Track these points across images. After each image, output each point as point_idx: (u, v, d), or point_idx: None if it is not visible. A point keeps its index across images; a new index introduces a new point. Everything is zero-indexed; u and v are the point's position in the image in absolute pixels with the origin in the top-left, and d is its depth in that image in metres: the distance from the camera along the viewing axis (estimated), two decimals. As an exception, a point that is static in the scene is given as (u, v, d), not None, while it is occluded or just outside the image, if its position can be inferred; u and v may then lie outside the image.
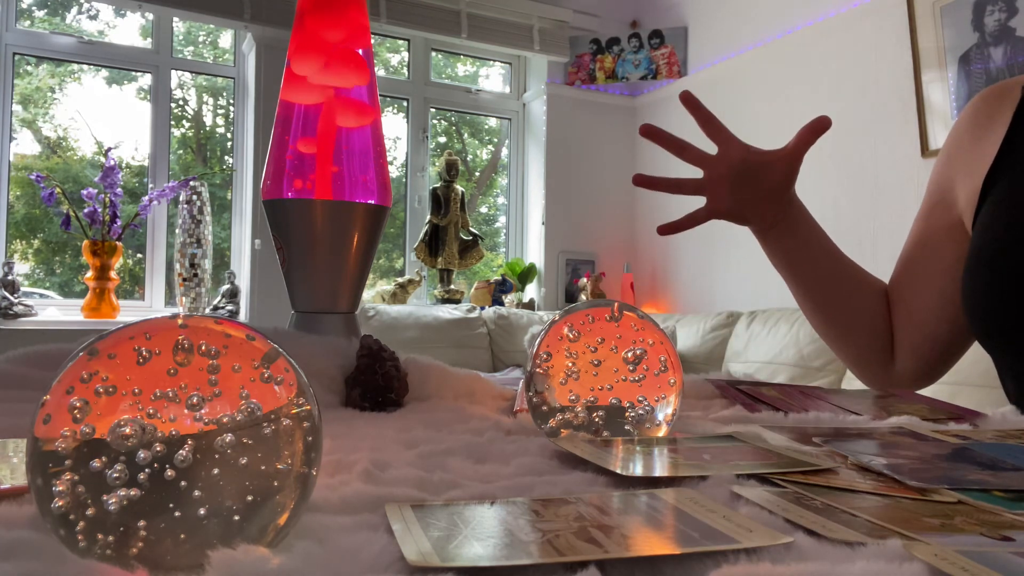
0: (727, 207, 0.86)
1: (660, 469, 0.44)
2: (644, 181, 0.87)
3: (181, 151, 3.79)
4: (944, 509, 0.36)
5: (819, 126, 0.81)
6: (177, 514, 0.28)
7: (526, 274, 4.04)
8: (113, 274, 3.11)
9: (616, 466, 0.43)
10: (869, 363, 0.91)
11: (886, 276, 0.94)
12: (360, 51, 0.99)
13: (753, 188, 0.84)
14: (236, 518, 0.29)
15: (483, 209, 4.54)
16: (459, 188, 3.89)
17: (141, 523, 0.28)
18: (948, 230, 0.86)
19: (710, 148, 0.87)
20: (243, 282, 3.43)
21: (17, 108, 3.30)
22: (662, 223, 0.87)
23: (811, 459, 0.45)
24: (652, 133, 0.86)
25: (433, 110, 4.13)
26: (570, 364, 0.55)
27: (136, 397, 0.29)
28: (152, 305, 3.44)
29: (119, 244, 3.12)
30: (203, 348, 0.30)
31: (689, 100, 0.84)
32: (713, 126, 0.85)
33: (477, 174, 4.54)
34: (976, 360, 1.87)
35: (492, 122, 4.47)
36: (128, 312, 3.21)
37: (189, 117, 3.90)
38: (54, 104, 3.54)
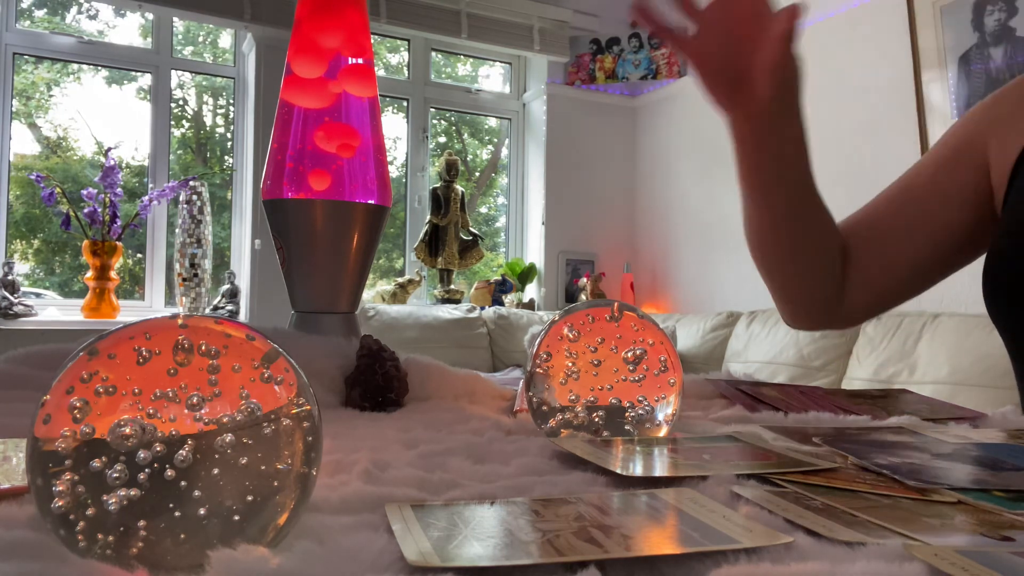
0: (712, 68, 0.75)
1: (660, 469, 0.44)
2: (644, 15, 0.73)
3: (181, 151, 3.78)
4: (944, 509, 0.36)
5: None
6: (177, 514, 0.28)
7: (526, 274, 4.04)
8: (113, 274, 3.11)
9: (616, 466, 0.43)
10: (815, 304, 0.84)
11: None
12: (359, 60, 0.99)
13: (737, 67, 0.73)
14: (236, 518, 0.29)
15: (483, 209, 4.54)
16: (459, 188, 3.88)
17: (141, 523, 0.28)
18: (964, 188, 0.80)
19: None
20: (243, 282, 3.43)
21: (15, 103, 3.29)
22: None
23: (811, 459, 0.45)
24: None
25: (433, 110, 4.12)
26: (570, 364, 0.55)
27: (136, 397, 0.29)
28: (152, 305, 3.44)
29: (119, 244, 3.12)
30: (203, 348, 0.30)
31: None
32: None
33: (477, 174, 4.54)
34: (976, 360, 1.87)
35: (492, 122, 4.47)
36: (128, 312, 3.20)
37: (189, 117, 3.89)
38: (53, 104, 3.54)
